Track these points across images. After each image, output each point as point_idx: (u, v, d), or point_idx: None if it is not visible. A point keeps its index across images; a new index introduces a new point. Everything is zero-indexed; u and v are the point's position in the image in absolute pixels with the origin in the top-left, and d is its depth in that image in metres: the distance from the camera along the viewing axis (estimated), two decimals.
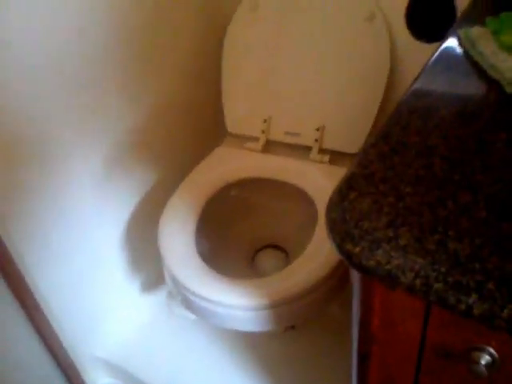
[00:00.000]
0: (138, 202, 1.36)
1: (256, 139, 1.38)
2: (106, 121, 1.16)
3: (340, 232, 0.54)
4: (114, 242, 1.33)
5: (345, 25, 1.23)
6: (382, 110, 1.24)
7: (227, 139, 1.43)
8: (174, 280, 1.10)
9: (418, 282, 0.50)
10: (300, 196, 1.28)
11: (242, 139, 1.40)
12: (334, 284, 1.10)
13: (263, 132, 1.37)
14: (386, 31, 1.19)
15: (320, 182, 1.26)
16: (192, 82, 1.43)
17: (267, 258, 1.42)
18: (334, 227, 0.55)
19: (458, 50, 0.76)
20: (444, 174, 0.58)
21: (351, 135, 1.28)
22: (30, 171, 1.01)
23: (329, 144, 1.32)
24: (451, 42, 0.78)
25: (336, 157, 1.32)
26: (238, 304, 1.03)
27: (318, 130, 1.31)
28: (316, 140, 1.31)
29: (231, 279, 1.08)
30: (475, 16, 0.86)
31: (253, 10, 1.30)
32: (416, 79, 0.74)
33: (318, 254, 1.09)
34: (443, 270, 0.49)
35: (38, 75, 0.96)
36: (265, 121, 1.36)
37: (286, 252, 1.43)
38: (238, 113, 1.40)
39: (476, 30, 0.76)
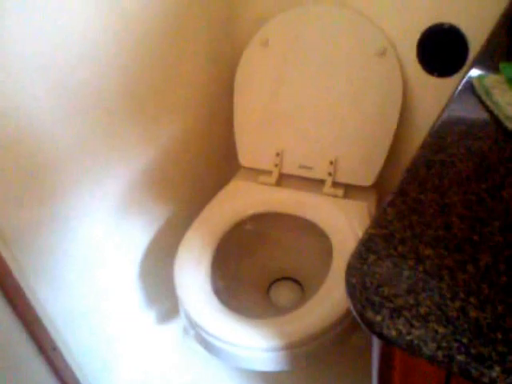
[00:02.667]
0: (154, 237, 1.37)
1: (269, 173, 1.38)
2: (122, 158, 1.17)
3: (360, 299, 0.54)
4: (130, 276, 1.34)
5: (356, 60, 1.23)
6: (395, 143, 1.24)
7: (241, 173, 1.44)
8: (189, 317, 1.11)
9: (440, 353, 0.49)
10: (314, 230, 1.28)
11: (255, 173, 1.41)
12: (352, 322, 1.10)
13: (276, 165, 1.37)
14: (397, 66, 1.20)
15: (334, 215, 1.26)
16: (205, 118, 1.44)
17: (282, 291, 1.42)
18: (353, 293, 0.55)
19: (473, 99, 0.76)
20: (463, 234, 0.58)
21: (364, 169, 1.28)
22: (46, 207, 1.02)
23: (342, 178, 1.32)
24: (466, 90, 0.78)
25: (350, 190, 1.32)
26: (253, 345, 1.03)
27: (331, 163, 1.31)
28: (329, 174, 1.32)
29: (246, 319, 1.07)
30: (489, 56, 0.86)
31: (263, 45, 1.31)
32: (432, 130, 0.74)
33: (335, 291, 1.09)
34: (465, 340, 0.49)
35: (58, 115, 0.97)
36: (278, 154, 1.37)
37: (300, 284, 1.43)
38: (250, 147, 1.40)
39: (491, 78, 0.76)
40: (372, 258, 0.58)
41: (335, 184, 1.32)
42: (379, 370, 0.64)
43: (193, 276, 1.17)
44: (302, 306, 1.09)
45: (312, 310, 1.07)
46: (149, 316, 1.48)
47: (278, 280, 1.44)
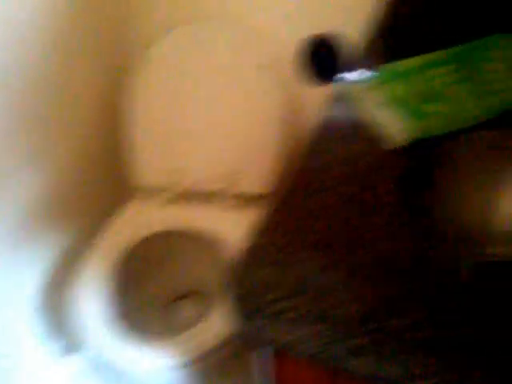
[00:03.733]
0: (50, 266, 1.33)
1: (168, 191, 1.38)
2: (8, 187, 1.13)
3: (243, 307, 0.56)
4: (27, 311, 1.29)
5: (242, 73, 1.26)
6: (290, 150, 1.28)
7: (138, 193, 1.42)
8: (88, 344, 1.10)
9: (318, 350, 0.52)
10: (215, 243, 1.29)
11: (152, 191, 1.40)
12: None
13: (174, 183, 1.38)
14: (281, 76, 1.24)
15: (235, 226, 1.28)
16: (96, 139, 1.42)
17: (187, 307, 1.43)
18: (236, 303, 0.57)
19: (345, 106, 0.81)
20: (338, 236, 0.62)
21: (263, 177, 1.32)
22: None
23: (242, 187, 1.34)
24: (338, 97, 0.83)
25: (251, 199, 1.34)
26: (153, 366, 1.04)
27: (229, 175, 1.33)
28: (228, 185, 1.34)
29: (145, 340, 1.09)
30: (363, 61, 0.91)
31: (151, 61, 1.31)
32: (310, 139, 0.77)
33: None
34: (341, 336, 0.52)
35: None
36: (174, 171, 1.37)
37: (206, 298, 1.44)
38: (146, 165, 1.39)
39: (359, 86, 0.81)
40: (254, 266, 0.60)
41: (235, 195, 1.35)
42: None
43: (91, 305, 1.15)
44: (201, 322, 1.11)
45: (209, 325, 1.09)
46: (46, 351, 1.42)
47: (184, 296, 1.44)
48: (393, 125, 0.73)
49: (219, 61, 1.28)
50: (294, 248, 0.61)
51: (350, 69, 0.88)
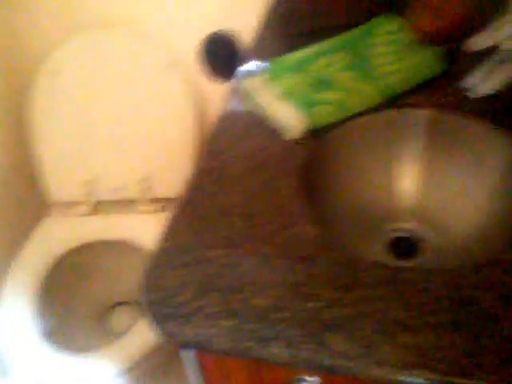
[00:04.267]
0: None
1: (83, 203, 1.36)
2: None
3: (156, 312, 0.57)
4: None
5: (148, 76, 1.26)
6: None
7: (53, 208, 1.39)
8: (15, 365, 1.07)
9: (232, 345, 0.54)
10: (138, 250, 1.29)
11: (68, 205, 1.37)
12: None
13: (89, 194, 1.35)
14: (186, 75, 1.25)
15: (153, 232, 1.28)
16: (2, 156, 1.37)
17: (120, 316, 1.41)
18: (149, 308, 0.58)
19: (241, 102, 0.82)
20: (242, 231, 0.64)
21: (177, 180, 1.32)
22: None
23: (158, 193, 1.34)
24: (235, 94, 0.84)
25: (169, 203, 1.34)
26: (87, 379, 1.03)
27: (143, 180, 1.33)
28: (144, 191, 1.33)
29: (79, 353, 1.08)
30: (256, 55, 0.93)
31: (55, 74, 1.28)
32: (209, 137, 0.79)
33: None
34: (251, 327, 0.54)
35: None
36: (89, 182, 1.35)
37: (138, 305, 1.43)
38: (59, 179, 1.36)
39: (254, 81, 0.83)
40: (162, 272, 0.61)
41: (152, 200, 1.34)
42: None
43: (17, 326, 1.12)
44: (131, 331, 1.11)
45: (139, 333, 1.10)
46: None
47: (116, 305, 1.43)
48: (288, 117, 0.75)
49: (124, 65, 1.26)
50: (199, 248, 0.62)
51: (246, 64, 0.90)
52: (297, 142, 0.74)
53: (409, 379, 0.49)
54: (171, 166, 1.32)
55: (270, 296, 0.56)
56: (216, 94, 1.30)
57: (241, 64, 0.92)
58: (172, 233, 0.65)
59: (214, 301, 0.57)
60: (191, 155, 1.29)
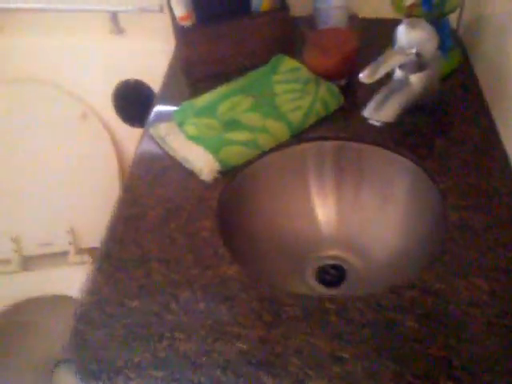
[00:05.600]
0: None
1: (9, 260, 1.32)
2: None
3: (83, 372, 0.56)
4: None
5: (63, 128, 1.25)
6: None
7: None
8: None
9: None
10: (73, 303, 1.25)
11: None
12: None
13: (16, 251, 1.31)
14: (100, 124, 1.25)
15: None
16: None
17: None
18: (77, 368, 0.57)
19: (154, 147, 0.83)
20: (163, 277, 0.64)
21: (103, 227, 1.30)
22: None
23: (85, 243, 1.32)
24: (147, 141, 0.85)
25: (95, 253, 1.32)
26: None
27: (69, 232, 1.30)
28: (70, 243, 1.31)
29: None
30: (166, 100, 0.95)
31: None
32: (124, 184, 0.79)
33: None
34: (178, 376, 0.54)
35: None
36: (13, 239, 1.31)
37: None
38: None
39: (164, 125, 0.84)
40: (87, 328, 0.60)
41: (80, 251, 1.32)
42: None
43: None
44: None
45: None
46: None
47: (60, 363, 1.37)
48: (199, 160, 0.76)
49: (41, 118, 1.25)
50: (121, 299, 0.62)
51: (156, 109, 0.91)
52: (211, 182, 0.75)
53: None
54: (95, 215, 1.30)
55: (197, 340, 0.57)
56: (135, 140, 1.31)
57: (151, 109, 0.93)
58: (92, 287, 0.64)
59: (138, 352, 0.56)
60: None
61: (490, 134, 0.78)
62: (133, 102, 1.24)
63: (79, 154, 1.27)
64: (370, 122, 0.72)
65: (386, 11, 0.93)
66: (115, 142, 1.28)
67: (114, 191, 1.28)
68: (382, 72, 0.67)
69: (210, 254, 0.66)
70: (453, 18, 0.95)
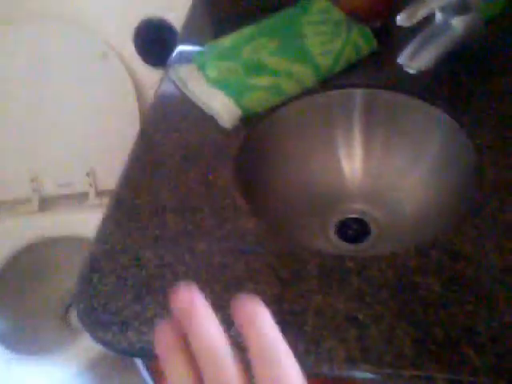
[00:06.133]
0: None
1: (29, 200, 1.31)
2: None
3: (90, 322, 0.54)
4: None
5: (83, 68, 1.21)
6: None
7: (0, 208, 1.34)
8: None
9: None
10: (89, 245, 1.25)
11: (14, 203, 1.32)
12: None
13: (34, 191, 1.31)
14: (121, 65, 1.20)
15: None
16: None
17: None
18: (83, 318, 0.55)
19: (174, 90, 0.79)
20: (177, 228, 0.61)
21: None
22: None
23: (105, 185, 1.30)
24: (168, 82, 0.81)
25: None
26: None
27: (88, 174, 1.29)
28: (90, 185, 1.29)
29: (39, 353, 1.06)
30: (188, 41, 0.90)
31: None
32: (141, 128, 0.75)
33: None
34: None
35: None
36: (33, 179, 1.30)
37: None
38: (1, 177, 1.31)
39: (185, 68, 0.80)
40: (96, 277, 0.58)
41: (100, 193, 1.30)
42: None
43: None
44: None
45: None
46: None
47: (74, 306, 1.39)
48: (221, 105, 0.72)
49: (60, 58, 1.22)
50: (132, 249, 0.60)
51: (178, 49, 0.87)
52: (232, 130, 0.71)
53: (357, 373, 0.48)
54: (116, 158, 1.27)
55: (211, 294, 0.54)
56: (154, 81, 1.26)
57: (174, 49, 0.89)
58: (103, 235, 0.62)
59: (152, 305, 0.54)
60: None
61: None
62: (155, 42, 1.19)
63: (99, 94, 1.23)
64: (406, 69, 0.67)
65: None
66: (136, 83, 1.24)
67: (134, 133, 1.25)
68: (421, 14, 0.61)
69: (229, 205, 0.63)
70: None
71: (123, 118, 1.24)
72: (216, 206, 0.63)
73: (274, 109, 0.74)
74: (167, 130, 0.74)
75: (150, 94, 1.29)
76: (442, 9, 0.69)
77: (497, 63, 0.76)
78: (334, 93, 0.76)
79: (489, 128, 0.67)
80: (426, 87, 0.73)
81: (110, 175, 1.29)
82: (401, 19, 0.61)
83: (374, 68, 0.78)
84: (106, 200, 1.29)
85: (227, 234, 0.60)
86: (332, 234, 0.75)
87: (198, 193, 0.65)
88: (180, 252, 0.59)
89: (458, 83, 0.73)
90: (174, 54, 0.87)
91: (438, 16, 0.70)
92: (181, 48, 0.88)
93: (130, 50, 1.21)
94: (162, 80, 0.82)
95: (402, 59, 0.66)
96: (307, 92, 0.76)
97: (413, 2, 0.63)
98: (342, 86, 0.76)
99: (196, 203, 0.64)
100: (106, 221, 0.64)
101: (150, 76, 1.24)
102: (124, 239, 0.61)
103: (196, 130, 0.73)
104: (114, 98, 1.23)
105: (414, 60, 0.65)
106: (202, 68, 0.79)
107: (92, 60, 1.20)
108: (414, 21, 0.61)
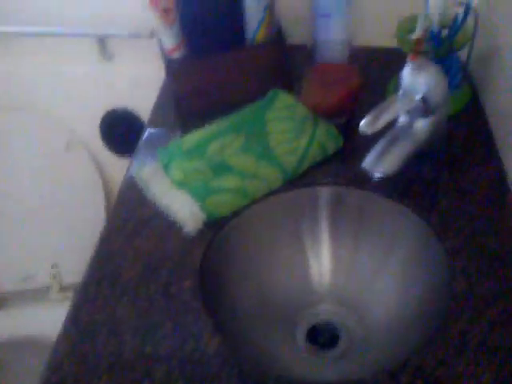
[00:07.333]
0: None
1: None
2: None
3: None
4: None
5: (46, 158, 1.18)
6: None
7: None
8: None
9: None
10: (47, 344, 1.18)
11: None
12: None
13: None
14: (86, 155, 1.18)
15: None
16: None
17: None
18: None
19: (136, 193, 0.76)
20: (135, 350, 0.57)
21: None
22: None
23: (69, 279, 1.25)
24: (129, 184, 0.78)
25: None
26: None
27: (53, 267, 1.24)
28: (53, 279, 1.24)
29: None
30: (160, 126, 0.88)
31: None
32: (100, 235, 0.72)
33: None
34: None
35: None
36: None
37: None
38: None
39: (149, 169, 0.77)
40: None
41: (64, 288, 1.25)
42: None
43: None
44: None
45: None
46: None
47: None
48: (184, 209, 0.70)
49: (27, 149, 1.19)
50: (90, 378, 0.55)
51: (144, 140, 0.86)
52: (195, 235, 0.68)
53: None
54: (82, 249, 1.23)
55: None
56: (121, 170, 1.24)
57: (140, 138, 0.87)
58: (55, 362, 0.57)
59: None
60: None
61: (500, 183, 0.71)
62: (121, 131, 1.18)
63: (64, 185, 1.20)
64: (371, 174, 0.65)
65: (389, 41, 0.86)
66: (102, 173, 1.22)
67: (100, 225, 1.21)
68: (384, 120, 0.61)
69: (191, 321, 0.59)
70: (462, 51, 0.88)
71: (89, 209, 1.21)
72: (178, 322, 0.59)
73: (238, 211, 0.72)
74: (128, 236, 0.70)
75: (116, 183, 1.26)
76: (406, 111, 0.69)
77: (463, 160, 0.75)
78: (300, 192, 0.75)
79: (457, 230, 0.66)
80: (393, 186, 0.71)
81: (75, 269, 1.24)
82: (364, 126, 0.60)
83: (340, 165, 0.77)
84: (69, 295, 1.24)
85: (189, 356, 0.56)
86: (302, 340, 0.71)
87: (159, 307, 0.61)
88: (137, 380, 0.54)
89: (425, 182, 0.72)
90: (141, 142, 0.85)
91: (402, 118, 0.69)
92: (146, 139, 0.86)
93: (96, 139, 1.20)
94: (123, 181, 0.80)
95: (366, 164, 0.65)
96: (273, 192, 0.74)
97: (375, 107, 0.62)
98: (308, 185, 0.75)
99: (156, 319, 0.60)
100: (60, 342, 0.59)
101: (117, 165, 1.22)
102: (76, 367, 0.56)
103: (158, 237, 0.70)
104: (80, 188, 1.20)
105: (378, 165, 0.64)
106: (166, 169, 0.76)
107: (56, 150, 1.17)
108: (378, 127, 0.60)
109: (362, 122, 0.60)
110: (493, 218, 0.67)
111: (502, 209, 0.68)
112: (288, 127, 0.80)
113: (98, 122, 1.18)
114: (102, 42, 1.10)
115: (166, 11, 0.81)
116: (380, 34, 0.93)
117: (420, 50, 0.72)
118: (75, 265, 1.23)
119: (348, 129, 0.81)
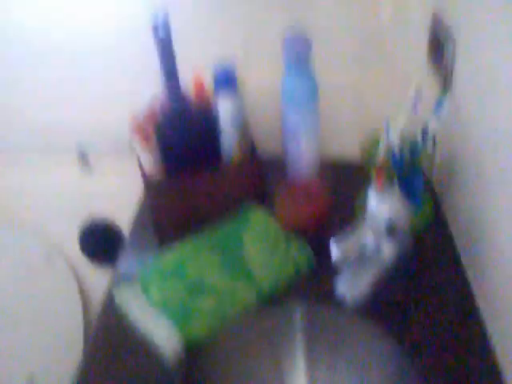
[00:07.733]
0: None
1: None
2: None
3: None
4: None
5: (24, 270, 1.19)
6: None
7: None
8: None
9: None
10: None
11: None
12: None
13: None
14: (65, 266, 1.20)
15: None
16: None
17: None
18: None
19: (118, 313, 0.77)
20: None
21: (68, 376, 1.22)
22: None
23: None
24: (110, 305, 0.80)
25: None
26: None
27: (29, 379, 1.22)
28: None
29: None
30: (140, 238, 0.91)
31: None
32: (83, 359, 0.73)
33: None
34: None
35: None
36: None
37: None
38: None
39: (129, 290, 0.79)
40: None
41: None
42: None
43: None
44: None
45: None
46: None
47: None
48: (161, 333, 0.71)
49: (1, 260, 1.20)
50: None
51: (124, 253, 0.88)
52: (173, 359, 0.69)
53: None
54: (59, 362, 1.22)
55: None
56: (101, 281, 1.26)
57: (120, 249, 0.90)
58: None
59: None
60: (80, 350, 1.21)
61: (467, 301, 0.75)
62: (100, 242, 1.21)
63: (43, 297, 1.20)
64: (343, 298, 0.68)
65: (357, 153, 0.92)
66: (81, 285, 1.23)
67: (78, 335, 1.21)
68: (354, 251, 0.65)
69: None
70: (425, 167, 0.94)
71: (68, 321, 1.21)
72: None
73: (215, 333, 0.73)
74: (108, 360, 0.71)
75: (95, 291, 1.27)
76: (374, 233, 0.73)
77: (430, 278, 0.79)
78: (275, 312, 0.76)
79: (429, 351, 0.68)
80: (365, 306, 0.74)
81: (51, 381, 1.22)
82: (336, 259, 0.64)
83: (313, 283, 0.79)
84: None
85: None
86: None
87: None
88: None
89: (395, 302, 0.75)
90: (120, 259, 0.88)
91: (370, 240, 0.74)
92: (127, 253, 0.89)
93: (75, 250, 1.22)
94: (104, 302, 0.81)
95: (338, 289, 0.68)
96: (248, 312, 0.76)
97: (345, 238, 0.66)
98: (283, 305, 0.77)
99: None
100: None
101: (96, 275, 1.23)
102: None
103: (138, 361, 0.71)
104: (59, 300, 1.20)
105: (349, 290, 0.68)
106: (144, 291, 0.78)
107: (35, 262, 1.19)
108: (348, 259, 0.64)
109: (334, 255, 0.64)
110: (460, 340, 0.70)
111: (469, 329, 0.71)
112: (263, 246, 0.84)
113: (77, 233, 1.21)
114: (83, 155, 1.15)
115: (146, 139, 0.87)
116: (349, 146, 1.00)
117: (382, 179, 0.78)
118: (52, 376, 1.22)
119: (320, 242, 0.84)
